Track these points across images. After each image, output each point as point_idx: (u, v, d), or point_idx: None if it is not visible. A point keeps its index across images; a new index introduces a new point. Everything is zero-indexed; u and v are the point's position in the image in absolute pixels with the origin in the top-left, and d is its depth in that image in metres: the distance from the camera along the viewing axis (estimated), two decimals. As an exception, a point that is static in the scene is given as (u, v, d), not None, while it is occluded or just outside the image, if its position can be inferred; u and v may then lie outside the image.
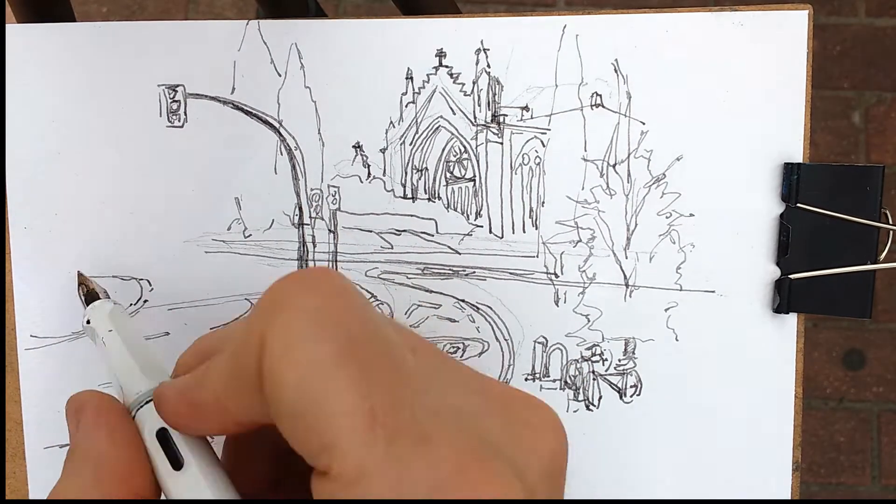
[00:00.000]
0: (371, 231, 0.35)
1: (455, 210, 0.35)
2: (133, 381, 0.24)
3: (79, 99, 0.34)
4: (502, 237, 0.35)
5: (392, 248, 0.35)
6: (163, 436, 0.21)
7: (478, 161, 0.35)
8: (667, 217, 0.35)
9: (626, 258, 0.35)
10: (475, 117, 0.35)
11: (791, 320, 0.35)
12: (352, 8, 1.06)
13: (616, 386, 0.36)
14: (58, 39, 0.34)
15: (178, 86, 0.34)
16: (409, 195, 0.35)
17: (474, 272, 0.35)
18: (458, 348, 0.35)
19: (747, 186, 0.35)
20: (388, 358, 0.18)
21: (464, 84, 0.35)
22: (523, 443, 0.18)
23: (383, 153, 0.35)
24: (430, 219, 0.35)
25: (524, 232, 0.35)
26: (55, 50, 0.34)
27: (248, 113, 0.34)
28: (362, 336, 0.18)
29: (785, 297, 0.35)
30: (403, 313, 0.35)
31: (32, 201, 0.34)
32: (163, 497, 0.21)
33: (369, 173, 0.35)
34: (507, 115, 0.35)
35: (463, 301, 0.35)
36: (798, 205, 0.34)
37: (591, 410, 0.36)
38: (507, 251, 0.35)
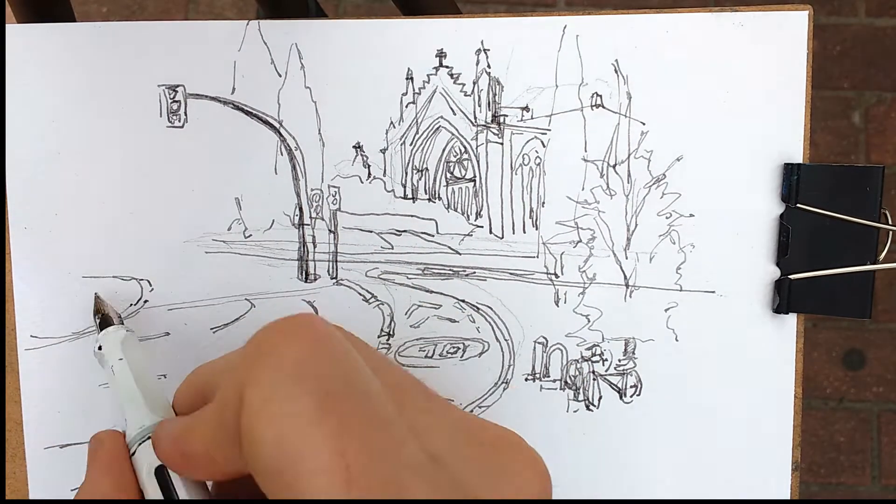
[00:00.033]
0: (371, 231, 0.35)
1: (455, 210, 0.35)
2: (138, 415, 0.25)
3: (79, 99, 0.34)
4: (502, 237, 0.35)
5: (392, 248, 0.35)
6: (160, 473, 0.23)
7: (478, 161, 0.35)
8: (667, 217, 0.35)
9: (627, 258, 0.35)
10: (475, 118, 0.35)
11: (791, 320, 0.35)
12: (352, 8, 1.06)
13: (616, 386, 0.36)
14: (58, 39, 0.34)
15: (178, 86, 0.34)
16: (410, 195, 0.35)
17: (474, 272, 0.35)
18: (459, 348, 0.35)
19: (747, 187, 0.35)
20: (367, 410, 0.18)
21: (464, 84, 0.35)
22: (504, 490, 0.18)
23: (384, 153, 0.35)
24: (431, 219, 0.35)
25: (524, 232, 0.35)
26: (55, 50, 0.34)
27: (248, 113, 0.34)
28: (341, 388, 0.18)
29: (785, 298, 0.35)
30: (404, 313, 0.35)
31: (32, 201, 0.34)
32: None
33: (370, 174, 0.35)
34: (507, 116, 0.35)
35: (463, 301, 0.35)
36: (798, 205, 0.34)
37: (591, 410, 0.36)
38: (508, 251, 0.35)
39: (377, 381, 0.19)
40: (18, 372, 0.34)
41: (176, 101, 0.34)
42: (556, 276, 0.35)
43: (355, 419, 0.17)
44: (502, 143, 0.35)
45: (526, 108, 0.35)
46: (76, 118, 0.34)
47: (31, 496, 0.34)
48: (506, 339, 0.35)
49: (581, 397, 0.36)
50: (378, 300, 0.35)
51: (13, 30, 0.34)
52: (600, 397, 0.36)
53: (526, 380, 0.35)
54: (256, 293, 0.35)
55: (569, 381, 0.36)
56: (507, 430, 0.20)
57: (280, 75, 0.34)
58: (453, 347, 0.35)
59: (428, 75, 0.34)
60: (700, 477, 0.36)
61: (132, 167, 0.34)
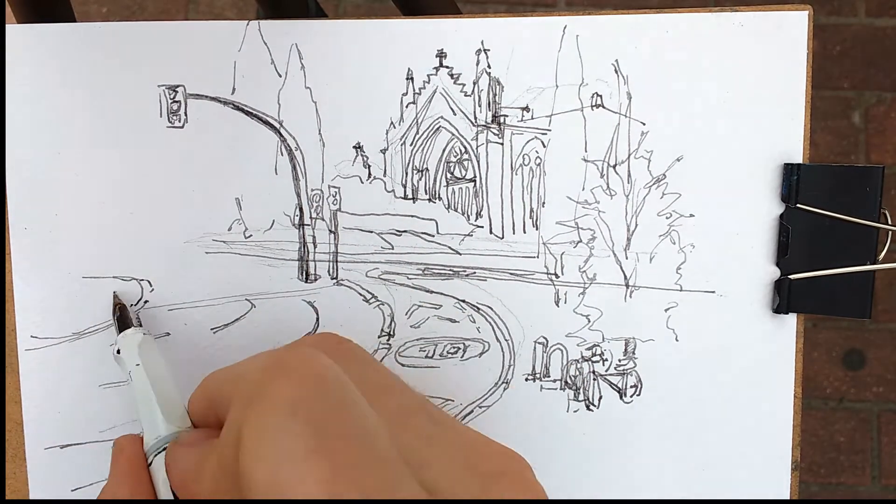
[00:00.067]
0: (372, 231, 0.35)
1: (455, 211, 0.35)
2: (155, 424, 0.26)
3: (79, 99, 0.34)
4: (503, 238, 0.35)
5: (393, 248, 0.35)
6: None
7: (478, 162, 0.35)
8: (667, 217, 0.35)
9: (627, 259, 0.35)
10: (476, 118, 0.35)
11: (791, 320, 0.35)
12: (352, 8, 1.06)
13: (616, 386, 0.36)
14: (58, 39, 0.34)
15: (178, 86, 0.34)
16: (410, 196, 0.35)
17: (475, 273, 0.35)
18: (459, 348, 0.35)
19: (747, 187, 0.35)
20: (362, 450, 0.18)
21: (464, 84, 0.35)
22: None
23: (384, 154, 0.35)
24: (431, 219, 0.35)
25: (524, 232, 0.35)
26: (55, 50, 0.34)
27: (248, 113, 0.34)
28: (335, 427, 0.18)
29: (785, 298, 0.35)
30: (404, 314, 0.35)
31: (32, 201, 0.34)
32: None
33: (370, 174, 0.35)
34: (507, 116, 0.35)
35: (463, 301, 0.35)
36: (798, 205, 0.34)
37: (592, 410, 0.36)
38: (508, 252, 0.35)
39: (374, 416, 0.19)
40: (18, 372, 0.34)
41: (176, 102, 0.34)
42: (557, 277, 0.35)
43: (349, 460, 0.17)
44: (502, 144, 0.35)
45: (526, 109, 0.35)
46: (76, 118, 0.34)
47: (31, 496, 0.34)
48: (506, 340, 0.35)
49: (581, 397, 0.36)
50: (378, 300, 0.35)
51: (13, 30, 0.34)
52: (600, 397, 0.36)
53: (526, 380, 0.35)
54: (257, 293, 0.35)
55: (569, 381, 0.36)
56: (510, 457, 0.20)
57: (280, 75, 0.34)
58: (454, 347, 0.35)
59: (428, 75, 0.34)
60: (700, 477, 0.36)
61: (132, 167, 0.34)
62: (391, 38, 0.34)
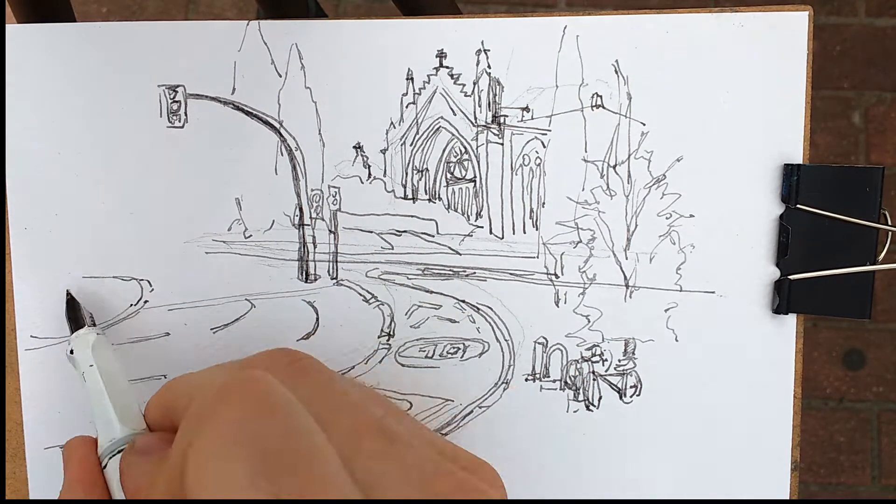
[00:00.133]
0: (371, 232, 0.35)
1: (455, 211, 0.35)
2: (109, 426, 0.26)
3: (79, 99, 0.34)
4: (503, 238, 0.35)
5: (392, 248, 0.35)
6: None
7: (478, 162, 0.35)
8: (667, 218, 0.35)
9: (627, 259, 0.35)
10: (476, 118, 0.35)
11: (790, 321, 0.35)
12: (352, 8, 1.06)
13: (616, 386, 0.36)
14: (58, 39, 0.34)
15: (178, 86, 0.34)
16: (410, 196, 0.35)
17: (475, 273, 0.35)
18: (459, 349, 0.35)
19: (747, 187, 0.35)
20: (306, 471, 0.18)
21: (464, 85, 0.35)
22: None
23: (384, 154, 0.35)
24: (431, 219, 0.35)
25: (524, 233, 0.35)
26: (55, 50, 0.34)
27: (248, 113, 0.34)
28: (280, 450, 0.18)
29: (784, 298, 0.35)
30: (404, 314, 0.35)
31: (32, 201, 0.34)
32: None
33: (370, 174, 0.35)
34: (507, 116, 0.35)
35: (463, 302, 0.35)
36: (798, 206, 0.34)
37: (591, 411, 0.36)
38: (508, 252, 0.35)
39: (322, 439, 0.19)
40: (18, 372, 0.34)
41: (176, 102, 0.34)
42: (557, 277, 0.35)
43: (292, 480, 0.17)
44: (502, 144, 0.35)
45: (526, 109, 0.35)
46: (76, 118, 0.34)
47: (31, 496, 0.34)
48: (506, 340, 0.35)
49: (581, 397, 0.36)
50: (378, 300, 0.35)
51: (13, 30, 0.34)
52: (600, 397, 0.36)
53: (526, 380, 0.35)
54: (256, 293, 0.35)
55: (569, 382, 0.36)
56: (470, 473, 0.20)
57: (280, 75, 0.34)
58: (453, 348, 0.35)
59: (428, 75, 0.34)
60: (700, 477, 0.36)
61: (132, 167, 0.34)
62: (391, 38, 0.34)
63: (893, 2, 1.06)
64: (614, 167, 0.35)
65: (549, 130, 0.35)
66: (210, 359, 0.35)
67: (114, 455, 0.25)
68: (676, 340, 0.35)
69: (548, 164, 0.35)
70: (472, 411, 0.35)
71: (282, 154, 0.34)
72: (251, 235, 0.35)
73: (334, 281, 0.35)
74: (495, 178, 0.35)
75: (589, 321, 0.35)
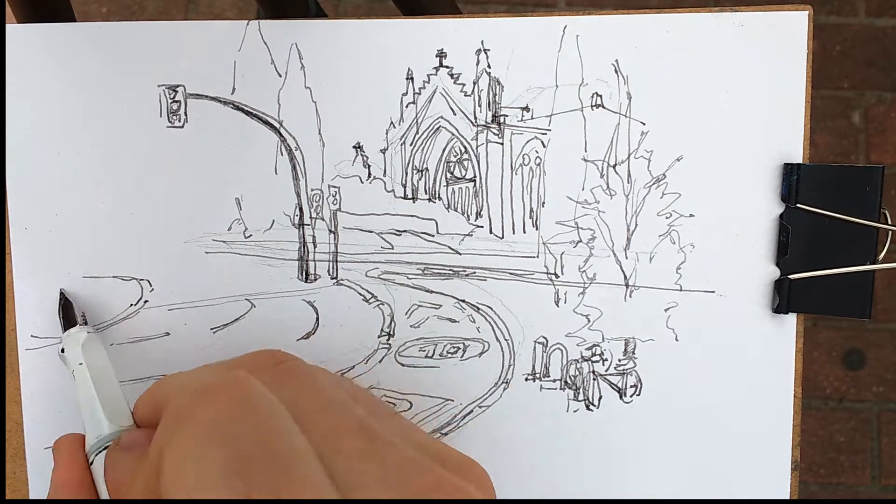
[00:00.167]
0: (371, 231, 0.35)
1: (455, 210, 0.35)
2: (96, 424, 0.26)
3: (79, 99, 0.34)
4: (503, 237, 0.35)
5: (392, 248, 0.35)
6: None
7: (478, 161, 0.35)
8: (667, 217, 0.35)
9: (627, 258, 0.35)
10: (475, 118, 0.35)
11: (791, 320, 0.35)
12: (352, 8, 1.06)
13: (616, 386, 0.36)
14: (58, 39, 0.34)
15: (178, 86, 0.34)
16: (410, 195, 0.35)
17: (475, 272, 0.35)
18: (459, 348, 0.35)
19: (747, 187, 0.35)
20: (282, 471, 0.18)
21: (464, 84, 0.35)
22: None
23: (384, 153, 0.35)
24: (431, 219, 0.35)
25: (524, 232, 0.35)
26: (55, 50, 0.34)
27: (248, 113, 0.34)
28: (256, 450, 0.18)
29: (784, 298, 0.35)
30: (404, 313, 0.35)
31: (32, 201, 0.34)
32: None
33: (370, 174, 0.35)
34: (507, 116, 0.35)
35: (463, 301, 0.35)
36: (798, 205, 0.34)
37: (591, 410, 0.36)
38: (508, 251, 0.35)
39: (301, 439, 0.19)
40: (18, 372, 0.34)
41: (176, 101, 0.34)
42: (557, 276, 0.35)
43: (266, 481, 0.17)
44: (502, 143, 0.35)
45: (526, 108, 0.35)
46: (76, 118, 0.34)
47: (31, 496, 0.34)
48: (506, 339, 0.35)
49: (581, 397, 0.36)
50: (378, 300, 0.35)
51: (13, 30, 0.34)
52: (600, 397, 0.36)
53: (526, 380, 0.35)
54: (256, 293, 0.35)
55: (569, 381, 0.36)
56: (455, 473, 0.19)
57: (280, 75, 0.34)
58: (453, 347, 0.35)
59: (428, 75, 0.34)
60: (700, 477, 0.36)
61: (132, 167, 0.34)
62: (391, 38, 0.34)
63: (893, 2, 1.06)
64: (614, 167, 0.35)
65: (549, 130, 0.35)
66: (210, 359, 0.35)
67: (100, 451, 0.25)
68: (676, 340, 0.35)
69: (548, 163, 0.35)
70: (472, 411, 0.35)
71: (282, 154, 0.34)
72: (251, 235, 0.35)
73: (334, 281, 0.35)
74: (495, 178, 0.35)
75: (589, 321, 0.35)
